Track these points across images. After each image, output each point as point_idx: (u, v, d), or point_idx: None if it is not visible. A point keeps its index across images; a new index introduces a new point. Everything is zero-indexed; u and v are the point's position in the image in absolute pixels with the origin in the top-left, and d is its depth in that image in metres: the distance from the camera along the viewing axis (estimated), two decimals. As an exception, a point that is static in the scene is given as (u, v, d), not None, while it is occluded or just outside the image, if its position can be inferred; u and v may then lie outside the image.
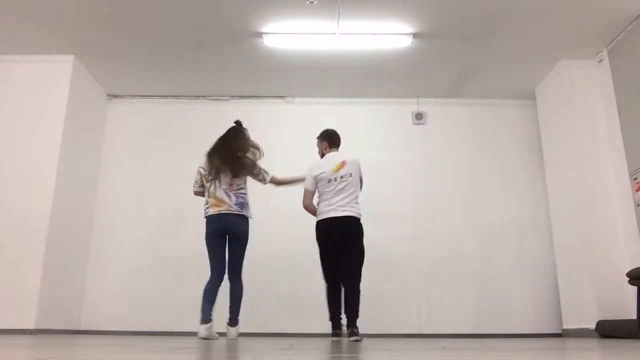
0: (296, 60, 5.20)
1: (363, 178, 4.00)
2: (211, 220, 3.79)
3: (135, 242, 5.53)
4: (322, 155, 4.04)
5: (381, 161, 5.78)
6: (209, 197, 3.84)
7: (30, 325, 4.47)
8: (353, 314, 3.67)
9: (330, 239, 3.77)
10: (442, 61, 5.23)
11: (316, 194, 3.95)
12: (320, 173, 3.84)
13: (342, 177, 3.80)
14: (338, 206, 3.75)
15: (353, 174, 3.83)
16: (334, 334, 3.77)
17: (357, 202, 3.84)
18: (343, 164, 3.84)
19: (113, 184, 5.73)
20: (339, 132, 4.18)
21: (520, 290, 5.39)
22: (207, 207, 3.84)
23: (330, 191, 3.79)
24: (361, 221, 3.86)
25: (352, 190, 3.81)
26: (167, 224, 5.60)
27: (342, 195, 3.77)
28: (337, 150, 4.02)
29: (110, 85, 5.82)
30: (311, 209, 3.91)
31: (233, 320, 3.82)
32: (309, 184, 3.90)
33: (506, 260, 5.49)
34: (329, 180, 3.80)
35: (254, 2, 4.31)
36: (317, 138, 4.12)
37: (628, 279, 4.17)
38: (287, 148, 5.45)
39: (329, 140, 4.03)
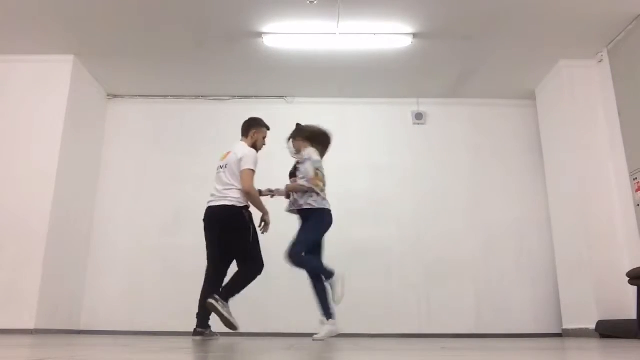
0: (296, 60, 5.20)
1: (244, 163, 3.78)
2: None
3: (135, 242, 5.54)
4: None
5: (381, 161, 5.79)
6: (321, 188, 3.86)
7: (30, 325, 4.47)
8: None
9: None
10: (442, 61, 5.23)
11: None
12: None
13: (221, 166, 3.87)
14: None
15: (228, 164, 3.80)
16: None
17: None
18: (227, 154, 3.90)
19: (113, 184, 5.73)
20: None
21: (520, 290, 5.40)
22: (324, 199, 3.86)
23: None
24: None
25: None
26: (166, 224, 5.60)
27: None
28: (242, 140, 4.00)
29: (110, 85, 5.82)
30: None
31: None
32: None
33: (506, 260, 5.49)
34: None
35: (254, 2, 4.31)
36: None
37: (628, 279, 4.17)
38: (286, 148, 5.44)
39: None
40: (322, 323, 3.72)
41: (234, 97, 6.02)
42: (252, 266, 3.72)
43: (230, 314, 3.55)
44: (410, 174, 5.76)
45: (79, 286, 5.34)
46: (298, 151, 4.05)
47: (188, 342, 3.00)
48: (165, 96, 6.00)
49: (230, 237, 3.69)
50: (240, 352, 1.93)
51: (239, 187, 3.70)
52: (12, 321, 4.47)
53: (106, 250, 5.52)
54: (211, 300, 3.46)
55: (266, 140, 4.09)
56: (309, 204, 3.85)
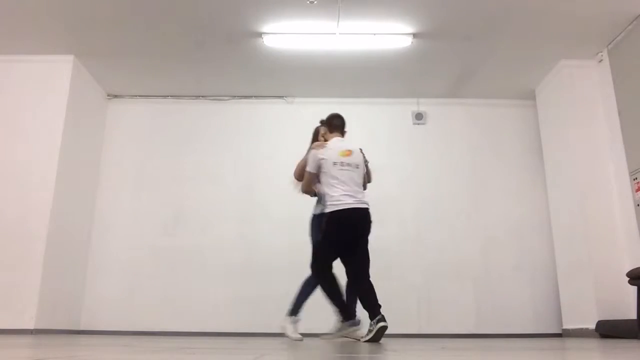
0: (296, 60, 5.20)
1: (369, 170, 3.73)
2: None
3: (135, 242, 5.54)
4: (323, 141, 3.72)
5: (381, 161, 5.76)
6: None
7: (30, 325, 4.47)
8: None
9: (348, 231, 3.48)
10: (442, 61, 5.23)
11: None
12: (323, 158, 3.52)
13: (349, 164, 3.50)
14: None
15: (360, 165, 3.56)
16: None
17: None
18: (350, 152, 3.55)
19: (113, 183, 5.73)
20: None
21: (520, 290, 5.40)
22: None
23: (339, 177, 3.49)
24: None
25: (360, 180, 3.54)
26: (166, 224, 5.60)
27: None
28: (341, 136, 3.69)
29: (110, 85, 5.82)
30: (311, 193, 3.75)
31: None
32: (311, 166, 3.57)
33: (506, 260, 5.49)
34: (335, 163, 3.49)
35: (254, 2, 4.31)
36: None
37: (628, 279, 4.17)
38: (287, 148, 5.45)
39: (328, 124, 3.71)
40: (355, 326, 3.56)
41: (234, 97, 6.02)
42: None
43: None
44: (410, 174, 5.76)
45: (79, 286, 5.34)
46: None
47: (188, 342, 3.00)
48: (165, 96, 6.00)
49: (364, 243, 3.48)
50: (241, 352, 1.93)
51: None
52: (12, 321, 4.47)
53: (106, 250, 5.52)
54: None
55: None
56: None
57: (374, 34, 4.72)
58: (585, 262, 4.73)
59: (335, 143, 3.61)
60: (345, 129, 3.76)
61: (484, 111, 6.00)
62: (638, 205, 4.43)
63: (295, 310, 3.69)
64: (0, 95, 5.06)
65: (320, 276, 3.51)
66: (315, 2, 4.27)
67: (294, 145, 5.54)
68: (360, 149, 3.70)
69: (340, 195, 3.43)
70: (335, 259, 3.53)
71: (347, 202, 3.41)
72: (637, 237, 4.41)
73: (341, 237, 3.45)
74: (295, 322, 3.67)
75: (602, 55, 4.96)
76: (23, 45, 4.98)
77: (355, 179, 3.50)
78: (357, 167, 3.53)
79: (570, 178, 5.03)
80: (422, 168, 5.79)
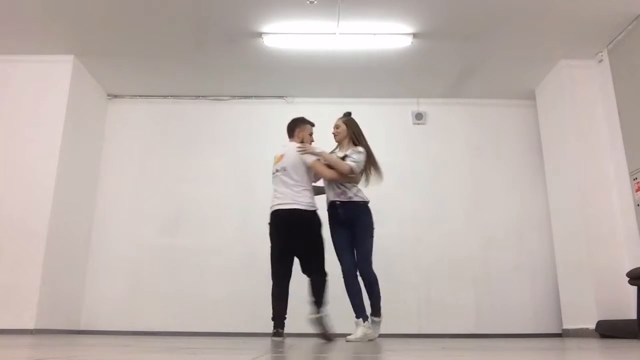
0: (296, 60, 5.20)
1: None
2: None
3: (135, 242, 5.53)
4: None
5: (381, 161, 5.76)
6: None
7: (30, 325, 4.47)
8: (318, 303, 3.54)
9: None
10: (442, 61, 5.23)
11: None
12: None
13: (277, 170, 3.71)
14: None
15: (288, 167, 3.64)
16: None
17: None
18: (281, 156, 3.73)
19: (113, 184, 5.73)
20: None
21: (520, 290, 5.39)
22: None
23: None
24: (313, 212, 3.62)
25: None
26: (166, 224, 5.60)
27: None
28: (293, 140, 3.85)
29: (110, 85, 5.82)
30: None
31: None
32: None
33: (506, 260, 5.49)
34: (272, 174, 3.77)
35: (254, 2, 4.31)
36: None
37: (628, 279, 4.17)
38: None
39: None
40: (356, 324, 3.58)
41: (234, 97, 6.02)
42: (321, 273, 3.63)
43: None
44: (410, 174, 5.75)
45: (79, 286, 5.34)
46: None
47: (188, 342, 3.00)
48: (165, 96, 6.00)
49: (303, 242, 3.58)
50: (241, 352, 1.93)
51: (309, 187, 3.66)
52: (12, 321, 4.47)
53: (106, 250, 5.52)
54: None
55: (313, 136, 3.95)
56: (360, 196, 3.79)
57: (374, 34, 4.72)
58: (585, 262, 4.72)
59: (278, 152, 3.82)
60: (301, 127, 3.87)
61: (484, 111, 5.99)
62: (638, 205, 4.43)
63: (359, 313, 3.65)
64: (0, 95, 5.06)
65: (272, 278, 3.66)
66: (315, 2, 4.27)
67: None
68: (299, 145, 3.73)
69: (272, 200, 3.69)
70: (285, 262, 3.62)
71: (272, 204, 3.66)
72: (637, 237, 4.41)
73: (275, 238, 3.63)
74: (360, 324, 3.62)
75: (602, 55, 4.96)
76: (23, 45, 4.98)
77: (287, 181, 3.63)
78: (285, 170, 3.64)
79: (570, 178, 5.03)
80: (422, 168, 5.79)
